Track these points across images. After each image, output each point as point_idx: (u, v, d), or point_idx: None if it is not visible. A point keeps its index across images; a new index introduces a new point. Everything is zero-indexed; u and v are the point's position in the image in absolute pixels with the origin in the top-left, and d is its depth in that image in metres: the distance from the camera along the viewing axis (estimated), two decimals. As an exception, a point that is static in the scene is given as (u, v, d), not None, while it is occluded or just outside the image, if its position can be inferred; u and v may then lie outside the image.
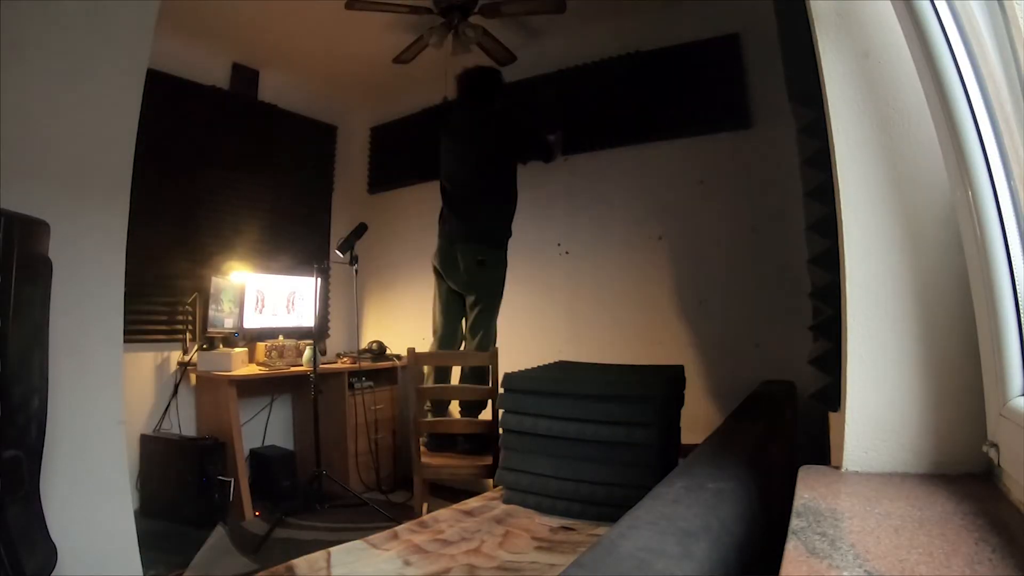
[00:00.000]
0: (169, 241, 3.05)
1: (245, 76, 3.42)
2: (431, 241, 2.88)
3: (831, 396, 0.88)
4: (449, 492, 2.94)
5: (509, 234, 2.72)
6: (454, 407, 2.80)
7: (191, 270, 3.11)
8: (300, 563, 1.18)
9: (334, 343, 3.90)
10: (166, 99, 2.94)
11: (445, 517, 1.48)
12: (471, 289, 2.63)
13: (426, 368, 2.58)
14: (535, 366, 1.96)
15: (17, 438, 1.16)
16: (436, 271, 2.72)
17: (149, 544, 1.92)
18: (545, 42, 3.19)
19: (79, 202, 1.55)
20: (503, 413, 1.67)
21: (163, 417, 2.92)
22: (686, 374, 1.85)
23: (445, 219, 2.71)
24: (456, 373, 2.72)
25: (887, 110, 0.80)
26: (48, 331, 1.28)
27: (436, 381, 2.60)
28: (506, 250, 2.72)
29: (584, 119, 3.07)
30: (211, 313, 3.03)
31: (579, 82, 3.10)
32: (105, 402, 1.62)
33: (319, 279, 2.86)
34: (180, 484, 2.66)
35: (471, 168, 2.69)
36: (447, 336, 2.70)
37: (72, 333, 1.51)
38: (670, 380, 1.63)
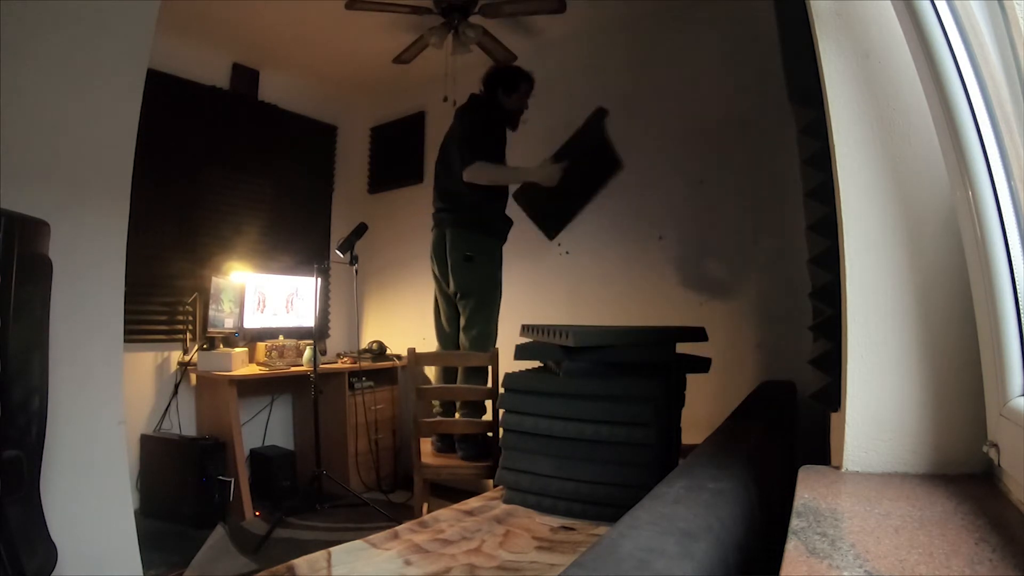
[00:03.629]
0: (169, 241, 3.05)
1: (245, 76, 3.43)
2: (430, 241, 2.87)
3: (831, 396, 0.88)
4: (449, 492, 2.94)
5: (504, 223, 2.56)
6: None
7: (191, 270, 3.11)
8: (300, 563, 1.18)
9: (334, 343, 3.90)
10: (166, 99, 2.95)
11: (445, 517, 1.48)
12: (458, 286, 2.48)
13: (429, 370, 2.57)
14: (535, 366, 1.96)
15: (17, 438, 1.16)
16: (434, 275, 2.64)
17: (149, 544, 1.93)
18: (545, 42, 3.20)
19: (79, 202, 1.55)
20: (503, 413, 1.68)
21: (163, 417, 2.93)
22: (687, 374, 1.85)
23: (434, 212, 2.61)
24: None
25: (887, 110, 0.80)
26: (48, 331, 1.28)
27: (444, 382, 2.56)
28: (500, 243, 2.56)
29: (583, 118, 3.07)
30: (211, 313, 3.03)
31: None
32: (105, 402, 1.62)
33: (319, 279, 2.86)
34: (180, 484, 2.66)
35: (450, 157, 2.52)
36: (450, 343, 2.63)
37: (72, 333, 1.51)
38: (670, 380, 1.63)
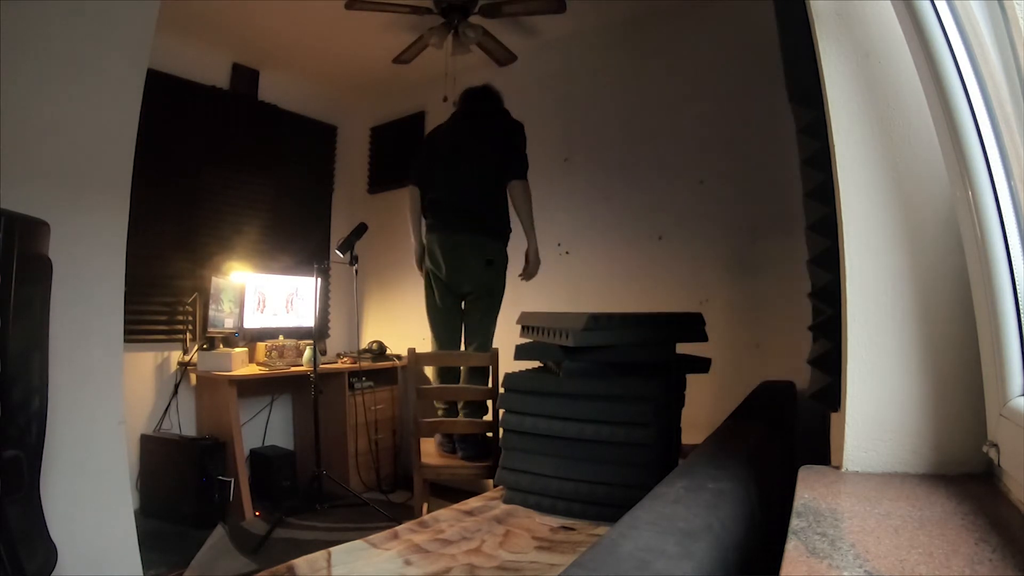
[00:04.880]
0: (169, 241, 3.05)
1: (245, 76, 3.43)
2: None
3: (831, 396, 0.88)
4: (449, 492, 2.94)
5: (510, 228, 2.60)
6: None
7: (191, 270, 3.11)
8: (300, 563, 1.18)
9: (334, 343, 3.90)
10: (166, 99, 2.95)
11: (445, 517, 1.48)
12: (475, 289, 2.51)
13: (429, 370, 2.56)
14: (535, 366, 1.96)
15: (17, 438, 1.16)
16: (431, 275, 2.57)
17: (149, 544, 1.93)
18: (545, 42, 3.20)
19: (79, 202, 1.56)
20: (503, 413, 1.68)
21: (163, 417, 2.93)
22: (687, 374, 1.85)
23: (438, 212, 2.55)
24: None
25: (887, 110, 0.80)
26: (48, 331, 1.28)
27: (444, 382, 2.54)
28: (507, 246, 2.60)
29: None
30: (211, 313, 3.03)
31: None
32: (105, 402, 1.62)
33: (319, 279, 2.86)
34: (180, 484, 2.66)
35: (471, 162, 2.53)
36: (452, 345, 2.60)
37: (72, 333, 1.51)
38: (670, 380, 1.63)
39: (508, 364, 1.87)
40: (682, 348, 1.72)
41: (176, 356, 3.04)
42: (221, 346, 3.06)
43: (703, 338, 1.78)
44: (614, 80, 3.00)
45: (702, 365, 1.76)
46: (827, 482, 0.75)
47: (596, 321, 1.49)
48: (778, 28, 0.98)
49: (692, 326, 1.77)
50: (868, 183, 0.81)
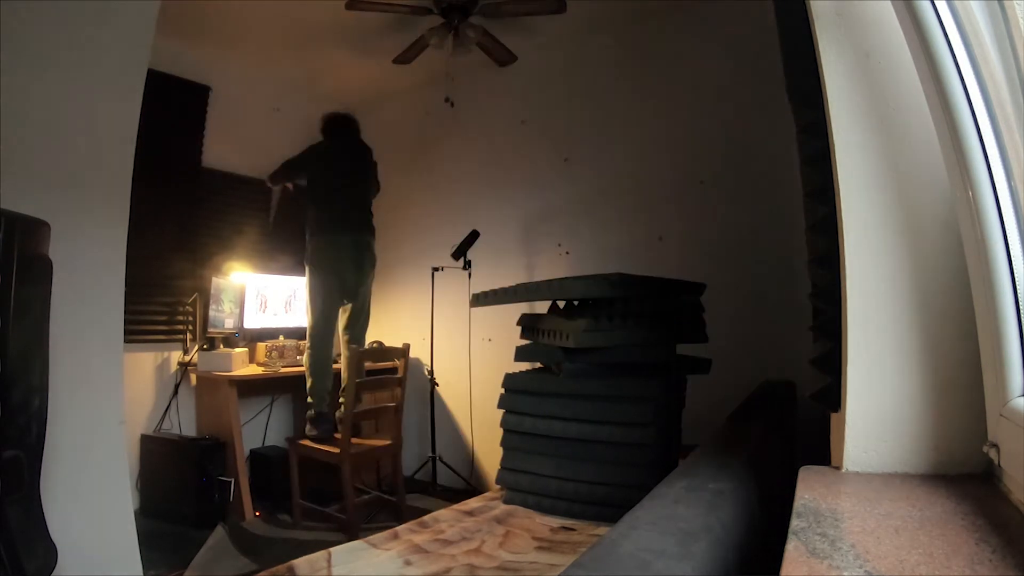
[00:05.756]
0: (169, 241, 3.05)
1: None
2: (432, 241, 2.86)
3: (831, 396, 0.88)
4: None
5: None
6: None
7: (191, 270, 3.11)
8: (300, 563, 1.18)
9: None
10: (166, 99, 2.94)
11: (445, 517, 1.48)
12: (365, 288, 2.86)
13: (345, 369, 2.79)
14: (535, 366, 1.96)
15: (17, 438, 1.16)
16: (321, 274, 2.78)
17: (149, 544, 1.92)
18: (545, 42, 3.19)
19: (79, 202, 1.55)
20: (504, 413, 1.68)
21: (163, 417, 2.93)
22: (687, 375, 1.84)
23: (336, 215, 2.81)
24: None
25: (887, 110, 0.80)
26: (48, 331, 1.27)
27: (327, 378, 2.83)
28: None
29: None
30: (211, 313, 3.03)
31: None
32: (105, 402, 1.62)
33: (319, 279, 2.86)
34: (180, 484, 2.66)
35: (355, 178, 2.94)
36: (330, 340, 2.84)
37: (72, 333, 1.51)
38: (670, 380, 1.63)
39: (508, 364, 1.87)
40: (682, 349, 1.72)
41: (176, 356, 3.04)
42: (221, 346, 3.06)
43: (703, 339, 1.78)
44: (614, 80, 3.00)
45: (702, 366, 1.76)
46: (827, 482, 0.75)
47: (596, 320, 1.49)
48: (778, 28, 0.98)
49: (696, 295, 1.81)
50: (868, 183, 0.81)
